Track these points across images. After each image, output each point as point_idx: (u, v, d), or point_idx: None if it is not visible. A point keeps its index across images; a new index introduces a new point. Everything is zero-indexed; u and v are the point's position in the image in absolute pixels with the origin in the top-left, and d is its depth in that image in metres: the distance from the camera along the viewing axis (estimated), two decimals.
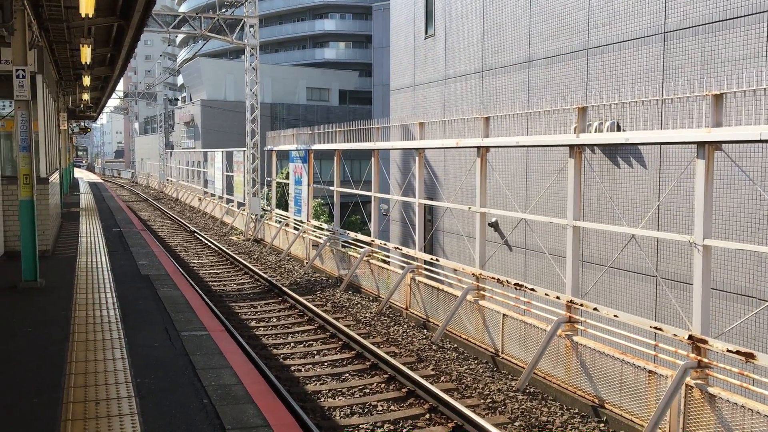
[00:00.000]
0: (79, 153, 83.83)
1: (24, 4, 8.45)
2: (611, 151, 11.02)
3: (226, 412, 4.75)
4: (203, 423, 4.55)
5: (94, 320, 7.12)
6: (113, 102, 63.95)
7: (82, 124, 42.80)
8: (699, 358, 6.96)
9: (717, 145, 6.90)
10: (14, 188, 10.73)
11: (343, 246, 16.62)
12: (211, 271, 16.58)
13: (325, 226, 18.27)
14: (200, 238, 22.40)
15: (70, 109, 29.18)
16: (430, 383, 8.46)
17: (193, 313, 7.73)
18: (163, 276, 10.06)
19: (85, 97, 23.95)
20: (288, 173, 24.27)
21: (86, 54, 12.91)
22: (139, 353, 6.03)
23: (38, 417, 4.60)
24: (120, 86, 57.19)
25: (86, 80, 17.72)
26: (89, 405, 4.76)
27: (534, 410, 8.10)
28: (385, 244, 14.86)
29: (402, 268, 13.14)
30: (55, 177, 14.42)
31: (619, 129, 10.45)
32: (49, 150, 14.72)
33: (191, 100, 57.57)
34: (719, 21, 9.30)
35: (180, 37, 72.81)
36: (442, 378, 9.07)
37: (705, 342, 6.95)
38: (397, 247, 14.36)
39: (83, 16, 9.45)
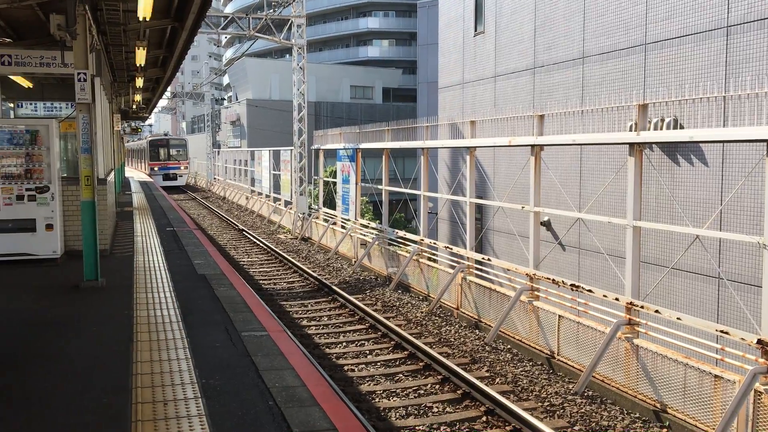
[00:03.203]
0: (174, 152, 44.14)
1: (85, 9, 8.63)
2: (671, 148, 10.74)
3: (292, 414, 4.75)
4: (271, 426, 4.56)
5: (156, 320, 7.22)
6: (161, 102, 65.09)
7: (133, 124, 43.64)
8: None
9: None
10: (73, 189, 11.00)
11: (389, 244, 16.60)
12: (261, 270, 16.74)
13: (372, 224, 18.28)
14: (249, 236, 22.64)
15: (122, 110, 29.85)
16: (486, 385, 8.36)
17: (251, 312, 7.79)
18: (218, 275, 10.17)
19: (138, 98, 24.47)
20: (333, 171, 24.37)
21: (141, 56, 13.19)
22: (201, 353, 6.09)
23: (111, 416, 4.68)
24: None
25: (139, 82, 18.10)
26: (158, 406, 4.81)
27: (594, 414, 7.94)
28: (434, 243, 14.78)
29: (451, 267, 13.05)
30: (110, 177, 14.74)
31: (678, 126, 10.16)
32: (106, 151, 15.05)
33: (237, 100, 58.36)
34: None
35: (225, 37, 73.71)
36: (497, 380, 8.97)
37: None
38: (447, 246, 14.27)
39: (140, 19, 9.64)
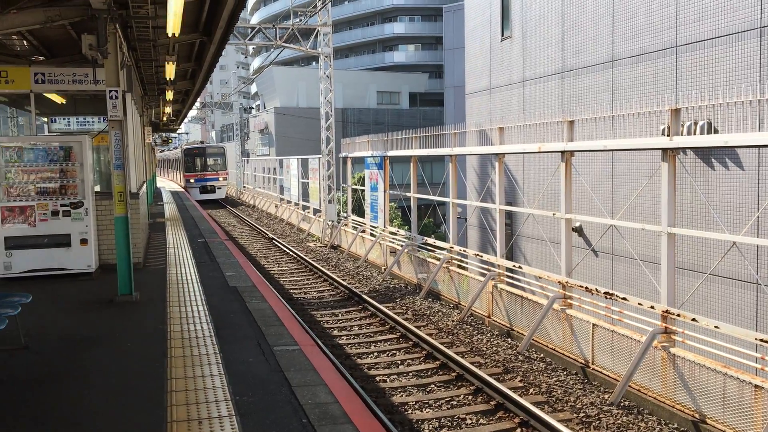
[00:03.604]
0: (212, 161, 40.23)
1: (116, 28, 8.75)
2: (705, 152, 10.54)
3: None
4: None
5: (189, 335, 7.27)
6: (191, 112, 65.69)
7: (164, 135, 44.21)
8: None
9: None
10: (107, 203, 11.16)
11: (418, 249, 16.57)
12: (291, 279, 16.81)
13: (402, 232, 18.25)
14: (279, 245, 22.77)
15: (153, 122, 30.26)
16: (519, 395, 8.28)
17: (282, 326, 7.80)
18: (249, 287, 10.23)
19: (168, 110, 24.77)
20: (361, 178, 24.41)
21: (171, 70, 13.35)
22: (235, 369, 6.11)
23: None
24: None
25: (169, 94, 18.33)
26: (192, 424, 4.84)
27: (631, 425, 7.81)
28: (464, 251, 14.70)
29: (482, 274, 12.95)
30: (143, 190, 14.93)
31: (713, 130, 9.97)
32: (138, 164, 15.26)
33: (265, 108, 58.82)
34: None
35: (253, 47, 74.15)
36: (531, 390, 8.87)
37: None
38: (478, 254, 14.18)
39: (170, 35, 9.74)
